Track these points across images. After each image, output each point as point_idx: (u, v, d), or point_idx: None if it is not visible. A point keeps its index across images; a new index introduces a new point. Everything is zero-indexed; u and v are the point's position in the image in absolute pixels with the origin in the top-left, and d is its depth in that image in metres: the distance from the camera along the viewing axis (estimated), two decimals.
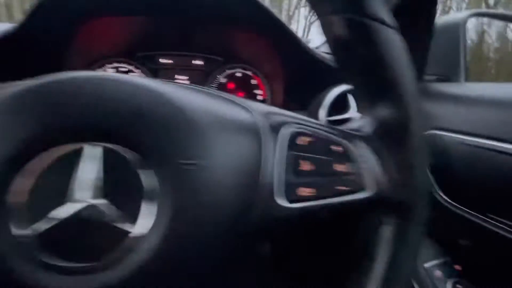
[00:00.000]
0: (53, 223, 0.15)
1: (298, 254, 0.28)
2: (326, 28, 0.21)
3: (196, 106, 0.18)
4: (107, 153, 0.16)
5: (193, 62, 0.61)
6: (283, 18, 0.51)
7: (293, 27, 0.57)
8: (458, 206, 0.45)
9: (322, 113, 0.49)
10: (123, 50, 0.56)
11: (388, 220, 0.22)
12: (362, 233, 0.23)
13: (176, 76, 0.60)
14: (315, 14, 0.21)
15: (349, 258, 0.23)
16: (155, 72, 0.59)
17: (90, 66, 0.55)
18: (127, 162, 0.16)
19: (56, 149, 0.16)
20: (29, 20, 0.41)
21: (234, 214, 0.18)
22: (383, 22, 0.20)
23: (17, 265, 0.14)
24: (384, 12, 0.20)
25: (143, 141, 0.16)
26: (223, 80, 0.62)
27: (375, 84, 0.21)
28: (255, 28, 0.52)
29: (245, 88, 0.62)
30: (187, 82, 0.61)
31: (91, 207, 0.15)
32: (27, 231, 0.15)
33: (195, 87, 0.22)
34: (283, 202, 0.19)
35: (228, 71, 0.62)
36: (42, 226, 0.15)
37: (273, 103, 0.62)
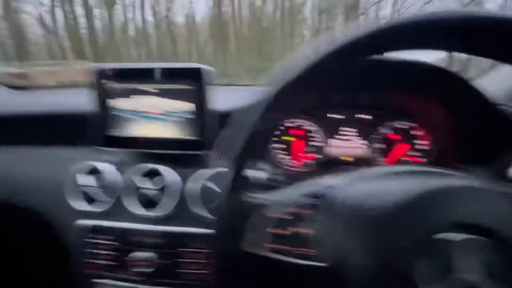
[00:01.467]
0: None
1: None
2: None
3: None
4: (486, 245, 0.23)
5: (360, 116, 0.68)
6: None
7: None
8: None
9: None
10: (304, 109, 0.69)
11: None
12: None
13: (342, 128, 0.69)
14: None
15: None
16: (324, 125, 0.70)
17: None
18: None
19: (451, 236, 0.23)
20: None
21: None
22: None
23: None
24: None
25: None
26: (387, 131, 0.67)
27: None
28: (431, 94, 0.57)
29: (409, 140, 0.66)
30: (355, 134, 0.69)
31: None
32: None
33: None
34: None
35: (395, 124, 0.67)
36: None
37: (440, 156, 0.64)
